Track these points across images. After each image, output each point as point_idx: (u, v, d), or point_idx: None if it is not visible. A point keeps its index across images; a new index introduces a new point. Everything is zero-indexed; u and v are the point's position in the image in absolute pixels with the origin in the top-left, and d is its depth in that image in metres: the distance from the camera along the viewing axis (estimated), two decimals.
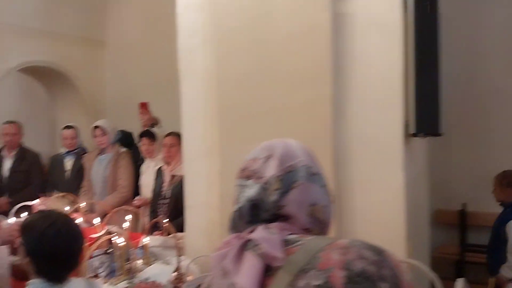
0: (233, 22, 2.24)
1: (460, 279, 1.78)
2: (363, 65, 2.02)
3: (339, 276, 0.65)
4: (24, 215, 2.67)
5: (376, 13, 1.99)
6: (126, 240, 2.15)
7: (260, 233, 0.75)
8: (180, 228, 2.64)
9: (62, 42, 5.28)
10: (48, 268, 1.42)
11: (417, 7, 2.02)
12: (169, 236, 2.61)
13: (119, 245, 2.10)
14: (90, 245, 2.06)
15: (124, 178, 3.61)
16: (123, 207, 3.15)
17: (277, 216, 0.80)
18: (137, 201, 3.51)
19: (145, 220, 3.38)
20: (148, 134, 3.66)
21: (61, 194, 3.16)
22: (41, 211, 1.66)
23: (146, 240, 2.35)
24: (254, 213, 0.81)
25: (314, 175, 0.84)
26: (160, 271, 2.08)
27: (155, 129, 3.87)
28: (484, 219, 3.62)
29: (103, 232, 2.52)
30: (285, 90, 2.10)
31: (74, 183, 3.79)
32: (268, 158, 0.83)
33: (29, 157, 4.05)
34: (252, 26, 2.17)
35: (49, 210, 1.88)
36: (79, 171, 3.86)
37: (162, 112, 4.22)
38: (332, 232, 0.88)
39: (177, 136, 3.24)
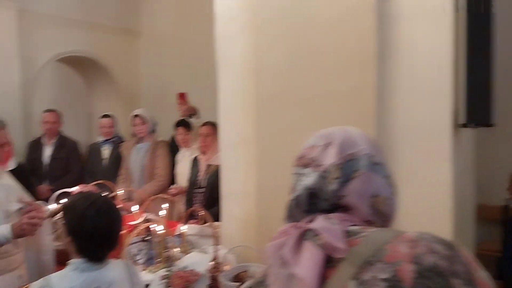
0: (272, 7, 2.18)
1: None
2: (410, 50, 1.92)
3: (408, 270, 0.61)
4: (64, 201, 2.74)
5: None
6: (165, 228, 2.15)
7: (320, 222, 0.72)
8: (215, 217, 2.64)
9: (99, 32, 5.37)
10: (88, 247, 1.44)
11: None
12: (205, 225, 2.61)
13: (158, 232, 2.11)
14: (129, 232, 2.08)
15: (161, 167, 3.64)
16: (160, 195, 3.18)
17: (336, 206, 0.76)
18: (173, 189, 3.54)
19: (180, 208, 3.41)
20: (183, 124, 3.67)
21: (99, 181, 3.21)
22: (81, 193, 1.69)
23: (183, 228, 2.35)
24: (312, 202, 0.77)
25: (376, 165, 0.79)
26: (198, 260, 2.08)
27: (193, 119, 3.88)
28: None
29: (141, 219, 2.55)
30: (326, 78, 2.03)
31: (112, 171, 3.85)
32: (327, 145, 0.79)
33: (68, 144, 4.15)
34: (292, 11, 2.10)
35: (89, 191, 1.91)
36: (116, 160, 3.92)
37: (198, 102, 4.23)
38: None
39: (213, 125, 3.24)
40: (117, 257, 1.64)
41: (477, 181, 2.96)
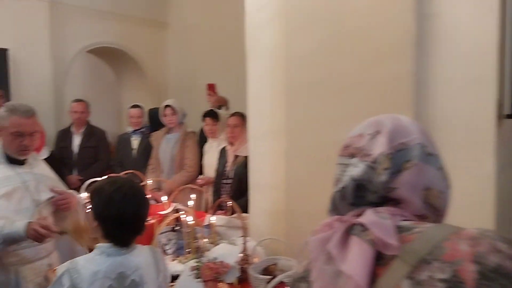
0: None
1: None
2: (451, 37, 1.81)
3: (470, 270, 0.56)
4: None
5: None
6: (195, 218, 2.14)
7: (369, 216, 0.66)
8: (243, 208, 2.61)
9: (127, 23, 5.42)
10: (115, 231, 1.44)
11: None
12: (233, 216, 2.59)
13: (188, 223, 2.09)
14: (159, 222, 2.08)
15: (190, 158, 3.65)
16: (188, 185, 3.18)
17: (385, 199, 0.71)
18: (201, 180, 3.54)
19: (208, 199, 3.41)
20: (211, 114, 3.66)
21: (128, 171, 3.24)
22: (108, 177, 1.69)
23: (212, 219, 2.34)
24: (359, 195, 0.71)
25: (429, 156, 0.72)
26: (227, 252, 2.05)
27: (222, 110, 3.86)
28: None
29: (170, 209, 2.54)
30: (361, 66, 1.95)
31: (141, 161, 3.88)
32: (376, 134, 0.73)
33: (97, 133, 4.21)
34: None
35: (116, 176, 1.91)
36: (145, 150, 3.95)
37: (227, 92, 4.20)
38: None
39: (241, 116, 3.21)
40: (144, 240, 1.63)
41: None
